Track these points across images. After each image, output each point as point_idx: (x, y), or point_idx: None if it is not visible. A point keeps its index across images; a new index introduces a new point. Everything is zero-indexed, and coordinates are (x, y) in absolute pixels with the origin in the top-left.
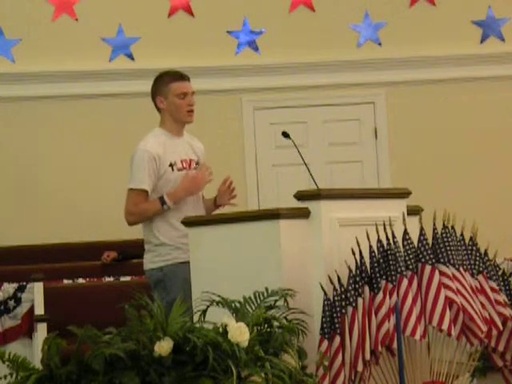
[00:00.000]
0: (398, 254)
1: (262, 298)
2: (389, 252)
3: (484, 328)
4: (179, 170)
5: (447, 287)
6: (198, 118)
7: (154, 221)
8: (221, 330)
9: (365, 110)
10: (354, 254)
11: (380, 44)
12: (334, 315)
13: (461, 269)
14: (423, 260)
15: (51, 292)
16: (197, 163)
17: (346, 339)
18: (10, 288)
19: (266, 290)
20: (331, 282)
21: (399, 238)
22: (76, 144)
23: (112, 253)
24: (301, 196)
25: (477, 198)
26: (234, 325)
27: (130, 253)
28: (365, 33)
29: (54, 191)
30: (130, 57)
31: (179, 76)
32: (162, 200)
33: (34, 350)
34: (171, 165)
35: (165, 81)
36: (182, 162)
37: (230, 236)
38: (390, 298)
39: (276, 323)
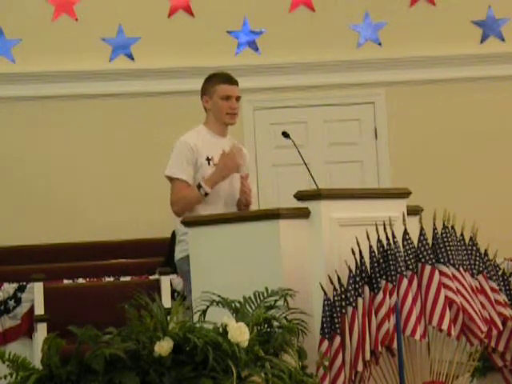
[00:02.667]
0: (398, 254)
1: (261, 297)
2: (389, 252)
3: (484, 328)
4: (216, 165)
5: (447, 287)
6: (198, 117)
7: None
8: (221, 330)
9: (365, 110)
10: (353, 253)
11: (380, 44)
12: (334, 315)
13: (461, 269)
14: (423, 260)
15: (51, 292)
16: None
17: (346, 339)
18: (10, 288)
19: (266, 289)
20: (331, 282)
21: (399, 238)
22: (76, 144)
23: None
24: (301, 196)
25: (477, 198)
26: (234, 325)
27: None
28: (365, 33)
29: (54, 191)
30: (130, 57)
31: (227, 79)
32: (198, 186)
33: (34, 350)
34: (208, 159)
35: (212, 81)
36: (221, 154)
37: (229, 236)
38: (390, 297)
39: (276, 323)
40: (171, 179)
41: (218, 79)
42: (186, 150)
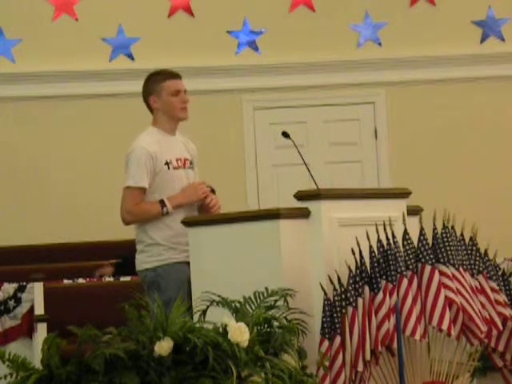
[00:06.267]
0: (397, 254)
1: (261, 297)
2: (389, 252)
3: (483, 328)
4: (175, 168)
5: (447, 287)
6: (198, 117)
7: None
8: (221, 330)
9: (365, 109)
10: (353, 253)
11: (380, 44)
12: (334, 315)
13: (461, 269)
14: (423, 260)
15: (51, 292)
16: (191, 162)
17: (346, 339)
18: (10, 288)
19: (266, 289)
20: (331, 282)
21: (399, 238)
22: (76, 144)
23: (107, 269)
24: (301, 196)
25: (477, 198)
26: (234, 325)
27: (124, 262)
28: (365, 33)
29: (54, 191)
30: (130, 57)
31: (171, 74)
32: (162, 203)
33: (34, 350)
34: (167, 163)
35: (157, 80)
36: (177, 160)
37: (229, 236)
38: (390, 297)
39: (276, 323)
40: (129, 188)
41: (162, 76)
42: (145, 157)
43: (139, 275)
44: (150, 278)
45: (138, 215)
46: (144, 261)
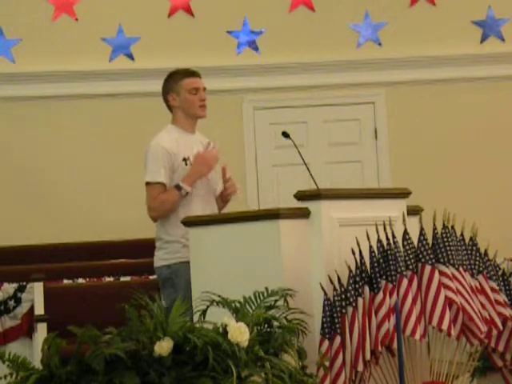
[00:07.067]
0: (397, 254)
1: (261, 297)
2: (389, 252)
3: (483, 328)
4: (192, 165)
5: (447, 287)
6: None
7: (167, 217)
8: (221, 330)
9: (365, 110)
10: (353, 253)
11: (380, 44)
12: (334, 315)
13: (460, 269)
14: (423, 260)
15: (51, 292)
16: None
17: (346, 339)
18: (10, 288)
19: (266, 289)
20: (331, 282)
21: (399, 238)
22: (76, 144)
23: None
24: (301, 196)
25: (477, 198)
26: (234, 325)
27: None
28: (365, 33)
29: (54, 191)
30: (130, 57)
31: (190, 72)
32: (177, 187)
33: (33, 350)
34: (185, 159)
35: (176, 78)
36: (196, 154)
37: (230, 236)
38: (390, 297)
39: (276, 323)
40: (148, 184)
41: (181, 75)
42: (162, 154)
43: (155, 272)
44: (165, 275)
45: (159, 208)
46: (161, 258)
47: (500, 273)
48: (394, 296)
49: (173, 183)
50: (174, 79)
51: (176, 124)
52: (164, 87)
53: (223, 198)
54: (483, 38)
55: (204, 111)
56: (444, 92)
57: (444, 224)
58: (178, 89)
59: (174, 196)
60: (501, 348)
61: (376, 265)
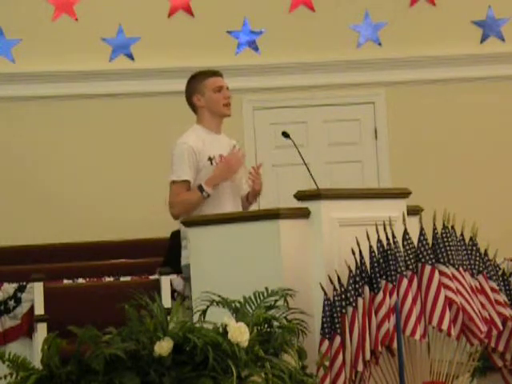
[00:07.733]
0: (397, 254)
1: (261, 297)
2: (389, 252)
3: (483, 328)
4: (216, 167)
5: (447, 287)
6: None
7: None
8: (221, 330)
9: (365, 110)
10: (353, 253)
11: (380, 44)
12: (334, 315)
13: (460, 269)
14: (423, 260)
15: (51, 292)
16: None
17: (346, 339)
18: (9, 288)
19: (266, 289)
20: (331, 282)
21: (399, 238)
22: (76, 144)
23: None
24: (301, 196)
25: (477, 198)
26: (234, 325)
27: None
28: (365, 33)
29: (54, 191)
30: (130, 57)
31: (212, 72)
32: (200, 188)
33: (33, 350)
34: (210, 159)
35: (200, 78)
36: (220, 156)
37: (230, 236)
38: (390, 297)
39: (276, 323)
40: (173, 182)
41: (204, 75)
42: (187, 153)
43: (182, 270)
44: (188, 274)
45: (179, 206)
46: (186, 256)
47: (500, 273)
48: (394, 296)
49: (196, 182)
50: (197, 80)
51: (202, 124)
52: (188, 89)
53: (249, 198)
54: (483, 38)
55: (229, 109)
56: (444, 92)
57: (444, 224)
58: (203, 89)
59: (195, 196)
60: (501, 348)
61: (376, 265)
